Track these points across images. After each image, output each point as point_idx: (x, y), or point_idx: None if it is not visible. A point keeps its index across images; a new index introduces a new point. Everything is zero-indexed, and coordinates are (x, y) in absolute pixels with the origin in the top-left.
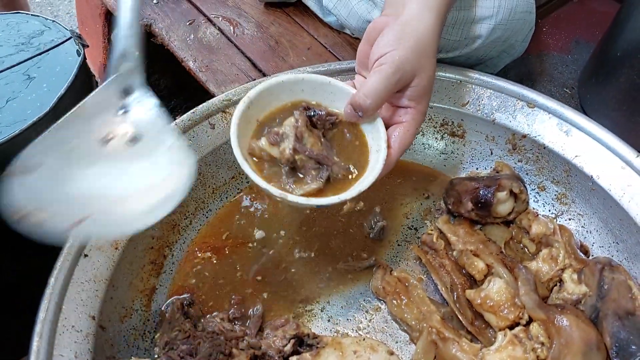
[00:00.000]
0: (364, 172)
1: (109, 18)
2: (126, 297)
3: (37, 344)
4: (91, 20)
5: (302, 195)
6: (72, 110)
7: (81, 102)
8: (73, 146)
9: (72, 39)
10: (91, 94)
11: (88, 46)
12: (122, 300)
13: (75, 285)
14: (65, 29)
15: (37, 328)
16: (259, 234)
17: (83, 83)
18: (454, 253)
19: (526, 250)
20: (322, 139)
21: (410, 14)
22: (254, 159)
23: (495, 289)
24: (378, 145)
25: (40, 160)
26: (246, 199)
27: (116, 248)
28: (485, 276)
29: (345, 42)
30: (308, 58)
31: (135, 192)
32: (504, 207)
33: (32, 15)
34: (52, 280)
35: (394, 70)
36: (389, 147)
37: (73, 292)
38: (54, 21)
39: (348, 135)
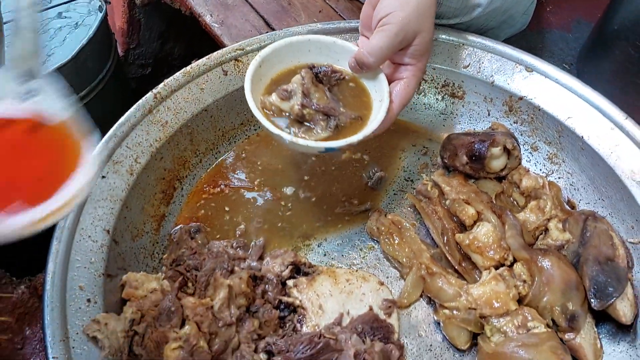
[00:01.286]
0: (368, 120)
1: None
2: (138, 219)
3: (56, 247)
4: None
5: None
6: None
7: None
8: None
9: None
10: None
11: (110, 2)
12: (134, 221)
13: (92, 202)
14: None
15: (56, 233)
16: (289, 189)
17: (103, 38)
18: (447, 202)
19: (515, 203)
20: (328, 93)
21: None
22: (266, 111)
23: (483, 231)
24: (381, 97)
25: None
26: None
27: (131, 173)
28: (475, 222)
29: (355, 8)
30: (319, 20)
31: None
32: (497, 162)
33: None
34: None
35: (398, 29)
36: (390, 100)
37: (90, 207)
38: None
39: (352, 89)
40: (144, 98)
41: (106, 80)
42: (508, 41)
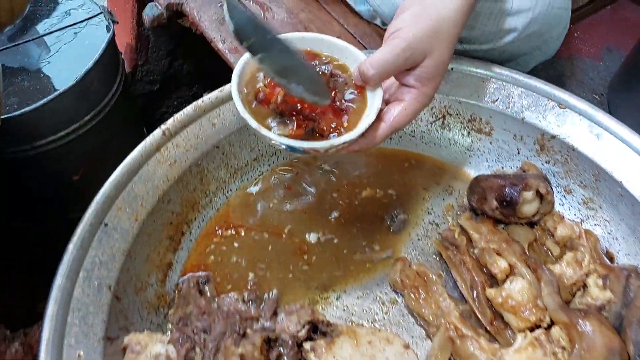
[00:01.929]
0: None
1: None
2: (142, 270)
3: (52, 310)
4: (122, 1)
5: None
6: None
7: None
8: None
9: (102, 14)
10: None
11: (118, 22)
12: (138, 273)
13: (92, 255)
14: (97, 4)
15: (53, 294)
16: (312, 236)
17: (110, 59)
18: (476, 251)
19: (550, 253)
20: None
21: None
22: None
23: (517, 288)
24: (368, 113)
25: None
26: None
27: (136, 219)
28: (507, 276)
29: (374, 33)
30: None
31: None
32: (529, 207)
33: None
34: (70, 246)
35: (405, 46)
36: (380, 119)
37: (90, 261)
38: None
39: (352, 97)
40: (151, 135)
41: (113, 102)
42: (535, 69)
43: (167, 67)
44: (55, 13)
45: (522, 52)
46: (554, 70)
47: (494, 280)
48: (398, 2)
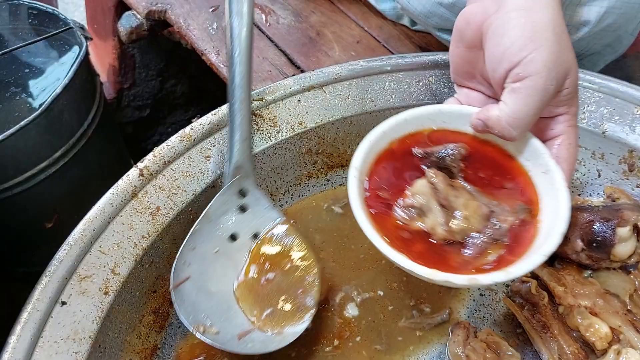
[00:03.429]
0: (540, 212)
1: (120, 11)
2: None
3: None
4: (100, 15)
5: None
6: (201, 216)
7: (207, 207)
8: (208, 249)
9: (73, 30)
10: (214, 198)
11: (92, 39)
12: None
13: (46, 346)
14: (67, 19)
15: None
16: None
17: (84, 83)
18: (560, 309)
19: None
20: (470, 188)
21: None
22: None
23: None
24: (542, 166)
25: (186, 273)
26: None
27: (106, 292)
28: (610, 344)
29: (402, 35)
30: (358, 53)
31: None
32: (625, 247)
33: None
34: (13, 339)
35: (545, 81)
36: None
37: (43, 355)
38: (55, 11)
39: (492, 160)
40: (125, 177)
41: (90, 134)
42: (602, 72)
43: (157, 89)
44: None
45: (592, 50)
46: (620, 70)
47: (590, 350)
48: None
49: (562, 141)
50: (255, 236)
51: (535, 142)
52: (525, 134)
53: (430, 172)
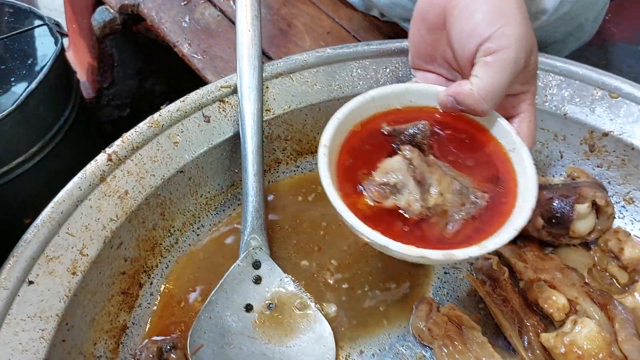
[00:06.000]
0: (517, 187)
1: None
2: (85, 340)
3: None
4: (79, 15)
5: None
6: (217, 286)
7: (223, 278)
8: (224, 320)
9: (47, 26)
10: (230, 269)
11: (67, 35)
12: (79, 344)
13: (13, 323)
14: (42, 15)
15: None
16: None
17: (59, 79)
18: (521, 284)
19: (615, 281)
20: (444, 167)
21: None
22: None
23: (585, 333)
24: (509, 144)
25: (201, 341)
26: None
27: (74, 273)
28: (567, 315)
29: (372, 26)
30: (328, 43)
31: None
32: (584, 223)
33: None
34: None
35: (516, 55)
36: None
37: (9, 332)
38: (30, 8)
39: (462, 136)
40: (92, 162)
41: (66, 129)
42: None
43: (136, 88)
44: None
45: (553, 39)
46: (585, 59)
47: (549, 322)
48: None
49: (523, 119)
50: (270, 306)
51: (501, 120)
52: (492, 111)
53: (407, 148)
